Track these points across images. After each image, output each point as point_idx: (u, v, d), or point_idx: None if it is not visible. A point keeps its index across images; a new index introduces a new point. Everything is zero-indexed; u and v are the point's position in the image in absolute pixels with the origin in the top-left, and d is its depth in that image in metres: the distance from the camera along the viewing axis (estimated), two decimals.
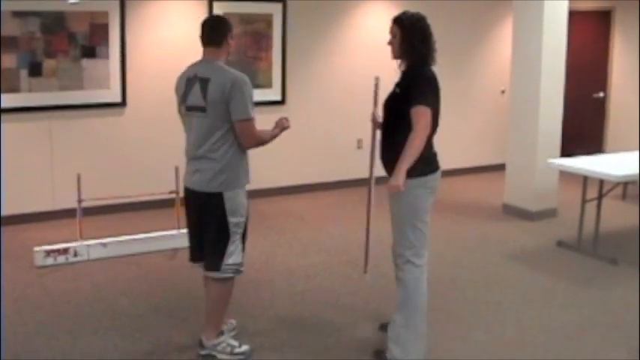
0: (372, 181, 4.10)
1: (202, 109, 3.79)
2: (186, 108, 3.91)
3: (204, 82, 3.78)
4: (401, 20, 3.82)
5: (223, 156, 3.81)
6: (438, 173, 3.88)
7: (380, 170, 3.93)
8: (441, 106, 3.82)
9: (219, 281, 3.98)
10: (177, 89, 4.01)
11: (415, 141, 3.61)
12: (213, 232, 3.89)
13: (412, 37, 3.76)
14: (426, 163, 3.76)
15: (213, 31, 3.90)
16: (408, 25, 3.79)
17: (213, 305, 4.06)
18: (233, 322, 4.37)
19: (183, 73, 4.00)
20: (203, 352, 4.05)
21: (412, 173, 3.68)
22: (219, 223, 3.86)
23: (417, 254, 3.84)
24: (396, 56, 3.86)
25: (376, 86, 4.09)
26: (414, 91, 3.69)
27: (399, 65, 3.87)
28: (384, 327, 4.12)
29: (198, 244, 4.02)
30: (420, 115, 3.62)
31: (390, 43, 3.85)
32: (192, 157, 3.91)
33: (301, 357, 4.10)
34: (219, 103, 3.75)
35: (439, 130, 3.83)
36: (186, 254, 4.11)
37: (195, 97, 3.82)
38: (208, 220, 3.90)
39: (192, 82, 3.87)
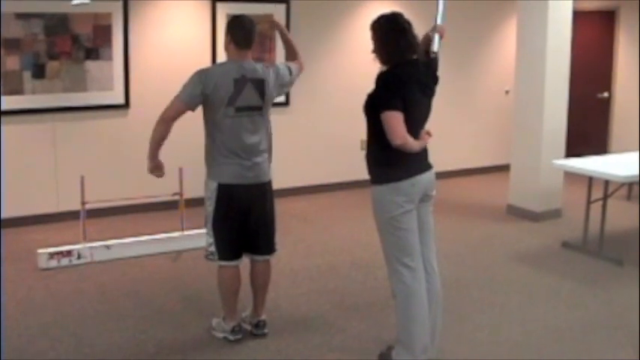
0: None
1: (259, 108, 4.04)
2: (237, 109, 3.97)
3: (260, 83, 4.01)
4: (372, 26, 3.78)
5: (268, 145, 4.19)
6: (419, 179, 3.70)
7: (365, 173, 3.88)
8: (424, 104, 3.75)
9: (269, 261, 4.33)
10: (215, 91, 3.92)
11: (400, 146, 3.54)
12: (267, 218, 4.23)
13: (385, 40, 3.70)
14: (398, 168, 3.64)
15: (252, 33, 4.05)
16: (377, 30, 3.75)
17: (266, 288, 4.37)
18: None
19: (222, 75, 3.97)
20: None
21: (381, 179, 3.68)
22: (271, 208, 4.25)
23: (401, 262, 3.72)
24: (381, 62, 3.76)
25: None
26: (379, 98, 3.61)
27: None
28: (383, 356, 4.04)
29: (242, 239, 4.19)
30: (387, 122, 3.54)
31: (373, 51, 3.80)
32: (251, 153, 4.06)
33: (306, 358, 4.09)
34: (270, 100, 4.12)
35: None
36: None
37: (250, 98, 4.00)
38: (261, 209, 4.17)
39: (241, 84, 3.96)
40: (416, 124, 3.70)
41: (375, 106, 3.62)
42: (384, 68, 3.72)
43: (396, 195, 3.65)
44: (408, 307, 3.75)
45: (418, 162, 3.75)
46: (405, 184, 3.66)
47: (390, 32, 3.70)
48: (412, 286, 3.73)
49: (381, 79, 3.67)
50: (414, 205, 3.73)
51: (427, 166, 3.80)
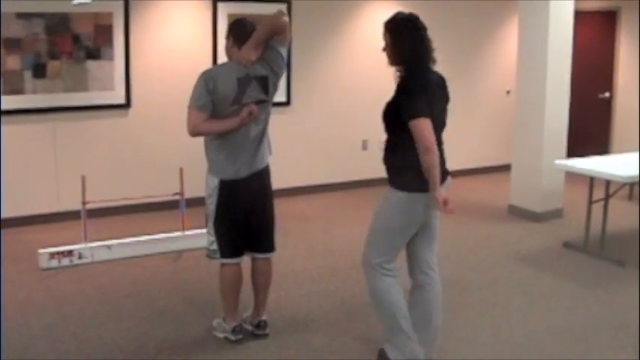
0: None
1: (263, 101, 4.06)
2: (244, 106, 3.96)
3: (264, 79, 4.03)
4: (389, 24, 3.64)
5: (267, 132, 4.21)
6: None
7: (382, 171, 3.85)
8: (442, 110, 3.71)
9: (270, 260, 4.34)
10: (219, 90, 3.90)
11: (425, 158, 3.43)
12: (268, 214, 4.26)
13: (402, 42, 3.59)
14: (423, 177, 3.51)
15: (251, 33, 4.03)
16: (395, 30, 3.63)
17: (268, 287, 4.38)
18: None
19: (225, 74, 3.96)
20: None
21: (406, 187, 3.60)
22: (271, 202, 4.26)
23: (388, 262, 3.73)
24: (391, 63, 3.66)
25: None
26: (405, 105, 3.52)
27: (397, 71, 3.68)
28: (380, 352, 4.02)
29: (243, 236, 4.19)
30: (417, 129, 3.44)
31: (384, 49, 3.69)
32: (253, 143, 4.08)
33: (306, 359, 4.08)
34: (274, 92, 4.15)
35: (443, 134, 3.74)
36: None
37: (255, 94, 4.01)
38: (262, 205, 4.20)
39: (246, 82, 3.97)
40: (437, 132, 3.64)
41: (400, 114, 3.51)
42: (401, 73, 3.64)
43: (417, 204, 3.61)
44: (390, 304, 3.75)
45: (443, 173, 3.70)
46: (426, 196, 3.58)
47: (410, 34, 3.59)
48: (392, 286, 3.74)
49: (405, 85, 3.58)
50: (427, 215, 3.72)
51: (447, 174, 3.75)
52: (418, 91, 3.53)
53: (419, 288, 3.91)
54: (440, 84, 3.73)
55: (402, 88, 3.60)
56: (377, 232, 3.77)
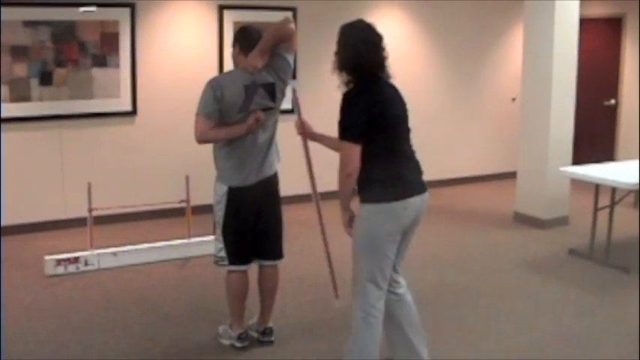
0: (318, 198, 4.26)
1: (270, 108, 4.09)
2: (251, 113, 3.98)
3: (271, 86, 4.06)
4: (340, 29, 3.55)
5: (275, 138, 4.27)
6: (411, 202, 3.44)
7: None
8: (404, 118, 3.56)
9: (277, 267, 4.33)
10: (226, 97, 3.91)
11: (346, 183, 3.42)
12: (276, 221, 4.29)
13: (347, 48, 3.49)
14: (389, 186, 3.41)
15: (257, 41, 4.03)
16: (342, 34, 3.54)
17: (274, 293, 4.37)
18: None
19: (232, 81, 3.97)
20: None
21: (370, 198, 3.43)
22: (279, 208, 4.30)
23: (368, 290, 3.53)
24: (342, 67, 3.53)
25: (294, 92, 4.17)
26: (342, 122, 3.43)
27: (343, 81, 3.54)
28: None
29: (251, 243, 4.19)
30: (345, 152, 3.39)
31: (335, 53, 3.56)
32: (261, 150, 4.12)
33: None
34: (281, 99, 4.19)
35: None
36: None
37: (263, 101, 4.03)
38: (270, 212, 4.23)
39: (253, 89, 3.99)
40: (401, 140, 3.55)
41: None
42: (348, 83, 3.55)
43: (384, 216, 3.43)
44: (358, 338, 3.59)
45: (413, 183, 3.54)
46: (396, 206, 3.42)
47: (353, 42, 3.53)
48: (372, 315, 3.57)
49: (347, 99, 3.48)
50: (403, 229, 3.51)
51: (423, 188, 3.56)
52: (360, 108, 3.40)
53: (389, 305, 3.74)
54: (398, 92, 3.59)
55: (343, 102, 3.49)
56: (356, 252, 3.60)
